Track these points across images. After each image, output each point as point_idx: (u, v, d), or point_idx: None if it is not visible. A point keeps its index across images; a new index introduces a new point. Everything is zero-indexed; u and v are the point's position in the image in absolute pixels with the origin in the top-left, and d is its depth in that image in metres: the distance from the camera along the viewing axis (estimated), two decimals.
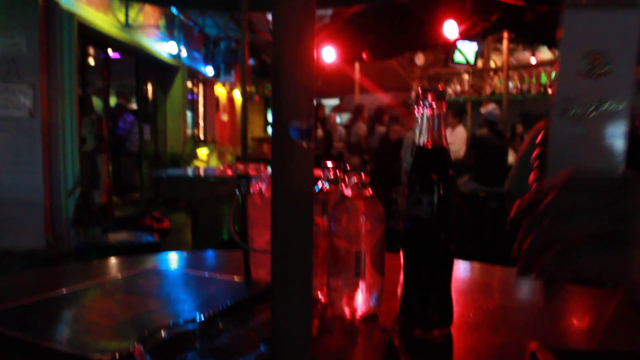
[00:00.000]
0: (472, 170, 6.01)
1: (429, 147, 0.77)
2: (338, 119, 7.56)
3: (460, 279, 1.10)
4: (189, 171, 4.59)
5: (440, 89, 0.78)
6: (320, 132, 7.63)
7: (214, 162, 12.43)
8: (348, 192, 0.83)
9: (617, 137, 0.57)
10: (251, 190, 0.97)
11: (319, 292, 0.90)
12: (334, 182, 0.91)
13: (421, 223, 0.76)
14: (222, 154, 13.24)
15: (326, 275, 0.85)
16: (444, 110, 0.78)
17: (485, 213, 5.63)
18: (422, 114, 0.78)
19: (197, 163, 10.60)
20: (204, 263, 1.25)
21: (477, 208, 5.74)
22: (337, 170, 0.91)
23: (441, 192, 0.76)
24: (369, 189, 0.84)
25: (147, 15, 8.75)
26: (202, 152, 11.93)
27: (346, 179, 0.84)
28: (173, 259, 1.25)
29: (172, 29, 10.02)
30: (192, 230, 4.12)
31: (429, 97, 0.77)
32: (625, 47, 0.58)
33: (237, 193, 0.98)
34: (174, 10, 9.34)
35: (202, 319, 0.74)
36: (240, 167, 3.65)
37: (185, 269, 1.13)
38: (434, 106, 0.77)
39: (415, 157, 0.78)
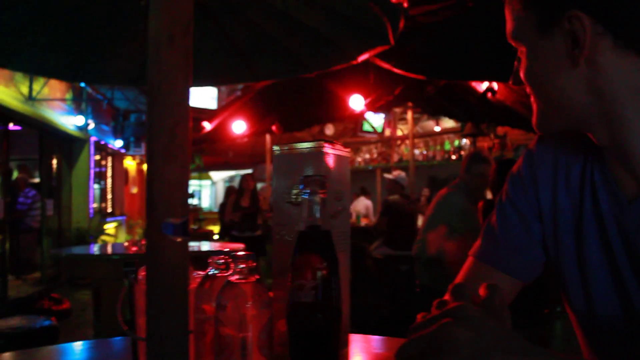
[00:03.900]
0: (384, 235, 6.16)
1: (311, 232, 0.80)
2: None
3: (356, 353, 1.11)
4: (91, 248, 4.38)
5: (321, 177, 0.82)
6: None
7: (123, 237, 11.98)
8: (234, 278, 0.84)
9: None
10: (139, 278, 0.96)
11: None
12: (223, 269, 0.91)
13: (304, 306, 0.77)
14: (132, 227, 12.80)
15: None
16: (325, 195, 0.82)
17: (397, 276, 5.75)
18: (305, 199, 0.81)
19: (104, 238, 10.17)
20: (91, 354, 1.19)
21: (390, 272, 5.87)
22: (226, 257, 0.91)
23: (324, 274, 0.78)
24: (256, 274, 0.85)
25: (53, 88, 8.54)
26: (110, 226, 11.49)
27: (232, 265, 0.85)
28: (56, 353, 1.18)
29: (79, 102, 9.81)
30: (95, 312, 3.90)
31: (311, 184, 0.81)
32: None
33: (125, 280, 0.96)
34: (82, 83, 9.18)
35: None
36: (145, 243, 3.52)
37: None
38: (316, 192, 0.81)
39: (298, 241, 0.80)
